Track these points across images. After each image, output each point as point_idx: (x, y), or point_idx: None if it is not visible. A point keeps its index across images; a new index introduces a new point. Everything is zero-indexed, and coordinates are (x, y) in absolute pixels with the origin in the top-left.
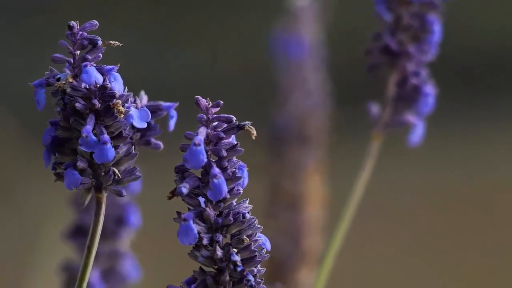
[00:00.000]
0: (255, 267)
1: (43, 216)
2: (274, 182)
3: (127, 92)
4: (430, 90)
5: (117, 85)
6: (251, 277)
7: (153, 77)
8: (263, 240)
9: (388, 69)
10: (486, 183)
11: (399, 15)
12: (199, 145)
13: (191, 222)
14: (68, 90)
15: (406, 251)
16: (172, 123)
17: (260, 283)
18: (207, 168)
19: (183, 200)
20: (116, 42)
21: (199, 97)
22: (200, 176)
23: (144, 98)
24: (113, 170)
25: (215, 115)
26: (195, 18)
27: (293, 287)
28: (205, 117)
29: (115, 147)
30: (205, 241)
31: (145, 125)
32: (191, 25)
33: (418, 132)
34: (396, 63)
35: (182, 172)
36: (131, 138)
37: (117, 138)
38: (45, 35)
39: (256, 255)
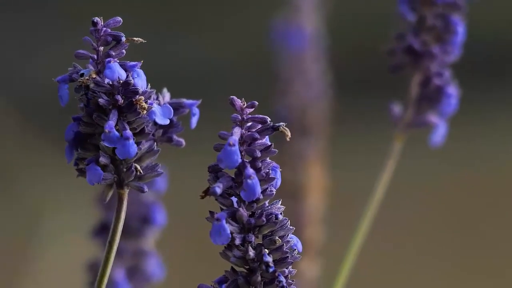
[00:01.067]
0: (287, 268)
1: (42, 205)
2: None
3: (150, 88)
4: (453, 91)
5: (140, 81)
6: (282, 278)
7: (153, 66)
8: (295, 241)
9: (411, 69)
10: (497, 175)
11: (422, 15)
12: (234, 145)
13: (224, 222)
14: (92, 85)
15: (420, 247)
16: (194, 121)
17: (291, 284)
18: (241, 169)
19: (216, 200)
20: (140, 39)
21: (234, 97)
22: (233, 176)
23: (166, 95)
24: (135, 166)
25: (250, 116)
26: (196, 9)
27: (294, 278)
28: (240, 117)
29: (137, 143)
30: (237, 241)
31: (167, 122)
32: (192, 15)
33: (440, 132)
34: (420, 63)
35: (215, 172)
36: (153, 135)
37: (139, 134)
38: (44, 25)
39: (288, 256)
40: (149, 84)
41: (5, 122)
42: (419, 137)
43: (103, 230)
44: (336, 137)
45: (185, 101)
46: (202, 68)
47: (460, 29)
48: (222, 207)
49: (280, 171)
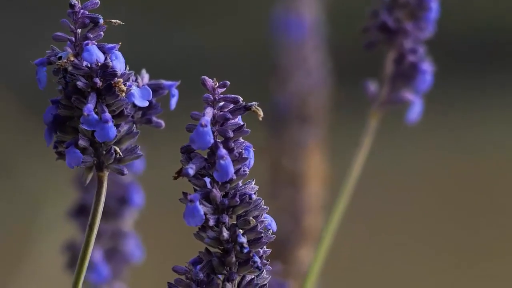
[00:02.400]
0: (261, 248)
1: (43, 193)
2: (274, 161)
3: (129, 70)
4: (427, 67)
5: (119, 64)
6: (257, 259)
7: (153, 56)
8: (269, 221)
9: (385, 46)
10: (488, 160)
11: None
12: (206, 126)
13: (198, 203)
14: (70, 68)
15: (404, 229)
16: (173, 102)
17: (266, 264)
18: (213, 149)
19: (189, 180)
20: (118, 21)
21: (206, 77)
22: (206, 157)
23: (145, 77)
24: (114, 148)
25: (222, 96)
26: None
27: (293, 265)
28: (212, 97)
29: (117, 126)
30: (211, 222)
31: (146, 104)
32: (192, 4)
33: (416, 109)
34: (393, 40)
35: (188, 153)
36: (132, 117)
37: (118, 116)
38: (43, 12)
39: (262, 236)
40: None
41: (4, 110)
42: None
43: (80, 212)
44: (335, 126)
45: (164, 82)
46: (201, 58)
47: (434, 5)
48: (196, 188)
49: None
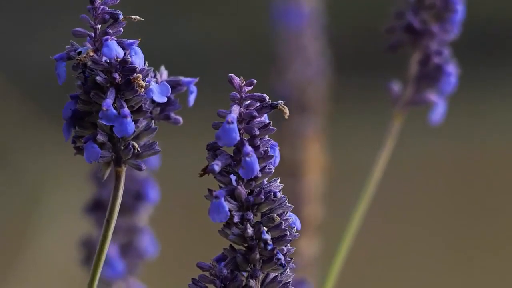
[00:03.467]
0: (285, 246)
1: (42, 183)
2: None
3: (148, 66)
4: (452, 69)
5: (138, 59)
6: (281, 256)
7: (152, 47)
8: (294, 219)
9: (410, 48)
10: (498, 149)
11: None
12: (232, 123)
13: (223, 200)
14: (89, 63)
15: (419, 224)
16: (192, 99)
17: (290, 262)
18: (239, 146)
19: (214, 177)
20: (137, 17)
21: (233, 75)
22: (232, 154)
23: (164, 73)
24: (132, 144)
25: (248, 94)
26: None
27: (293, 255)
28: (238, 95)
29: (135, 121)
30: (236, 219)
31: (165, 100)
32: None
33: (439, 110)
34: (419, 42)
35: (214, 150)
36: (150, 113)
37: (137, 112)
38: (46, 2)
39: (286, 234)
40: (147, 62)
41: (4, 99)
42: (418, 114)
43: (96, 207)
44: (335, 115)
45: (183, 79)
46: (201, 48)
47: (460, 7)
48: (221, 185)
49: (279, 149)
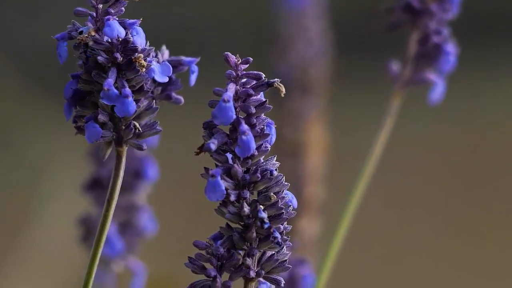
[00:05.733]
0: (282, 224)
1: (43, 162)
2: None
3: (149, 46)
4: (451, 48)
5: (139, 39)
6: (277, 234)
7: (151, 27)
8: (290, 197)
9: (409, 27)
10: (495, 131)
11: None
12: (228, 101)
13: (219, 178)
14: (91, 43)
15: (418, 205)
16: (193, 78)
17: (286, 240)
18: (235, 125)
19: (211, 156)
20: None
21: (229, 53)
22: (228, 133)
23: (165, 53)
24: (134, 124)
25: (244, 72)
26: None
27: (295, 235)
28: (234, 73)
29: (136, 101)
30: (232, 198)
31: (166, 80)
32: None
33: (438, 90)
34: (418, 21)
35: (210, 128)
36: (152, 93)
37: (138, 92)
38: None
39: (283, 212)
40: (148, 42)
41: (5, 79)
42: (419, 96)
43: (95, 185)
44: (337, 95)
45: (184, 58)
46: (202, 28)
47: None
48: (217, 163)
49: (275, 127)
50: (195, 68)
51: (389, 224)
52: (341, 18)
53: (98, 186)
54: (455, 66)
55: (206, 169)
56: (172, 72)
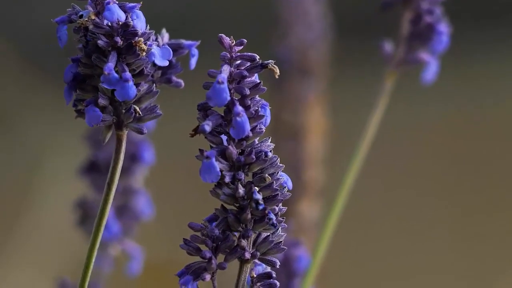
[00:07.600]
0: (277, 206)
1: (43, 147)
2: (274, 114)
3: (149, 30)
4: (444, 28)
5: (139, 23)
6: (272, 216)
7: (151, 10)
8: (285, 179)
9: (402, 7)
10: (498, 112)
11: None
12: (223, 83)
13: (214, 159)
14: (91, 27)
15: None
16: (193, 62)
17: (281, 222)
18: (230, 106)
19: (205, 137)
20: None
21: (223, 35)
22: (222, 114)
23: (165, 36)
24: (134, 107)
25: (239, 54)
26: None
27: (294, 218)
28: (229, 55)
29: (137, 85)
30: (227, 179)
31: (166, 63)
32: None
33: (432, 70)
34: (410, 1)
35: (205, 110)
36: (152, 76)
37: (138, 75)
38: None
39: (277, 193)
40: (148, 26)
41: (5, 63)
42: (413, 78)
43: (91, 168)
44: (336, 78)
45: (184, 42)
46: (200, 10)
47: None
48: (212, 145)
49: (272, 108)
50: (195, 51)
51: (385, 206)
52: (340, 1)
53: (94, 170)
54: (447, 46)
55: (201, 151)
56: (172, 56)
